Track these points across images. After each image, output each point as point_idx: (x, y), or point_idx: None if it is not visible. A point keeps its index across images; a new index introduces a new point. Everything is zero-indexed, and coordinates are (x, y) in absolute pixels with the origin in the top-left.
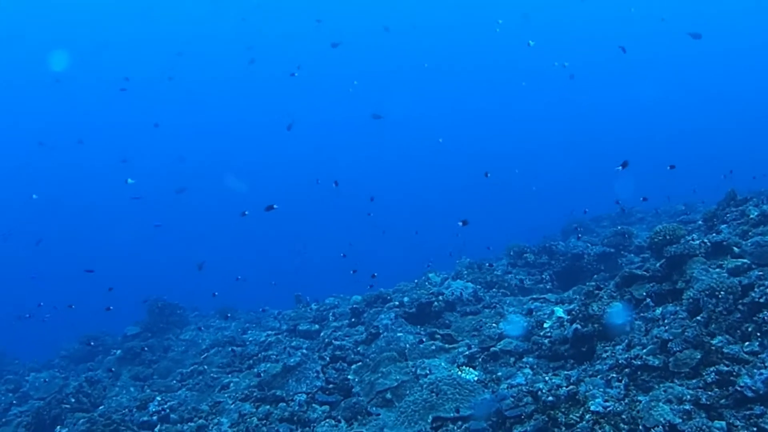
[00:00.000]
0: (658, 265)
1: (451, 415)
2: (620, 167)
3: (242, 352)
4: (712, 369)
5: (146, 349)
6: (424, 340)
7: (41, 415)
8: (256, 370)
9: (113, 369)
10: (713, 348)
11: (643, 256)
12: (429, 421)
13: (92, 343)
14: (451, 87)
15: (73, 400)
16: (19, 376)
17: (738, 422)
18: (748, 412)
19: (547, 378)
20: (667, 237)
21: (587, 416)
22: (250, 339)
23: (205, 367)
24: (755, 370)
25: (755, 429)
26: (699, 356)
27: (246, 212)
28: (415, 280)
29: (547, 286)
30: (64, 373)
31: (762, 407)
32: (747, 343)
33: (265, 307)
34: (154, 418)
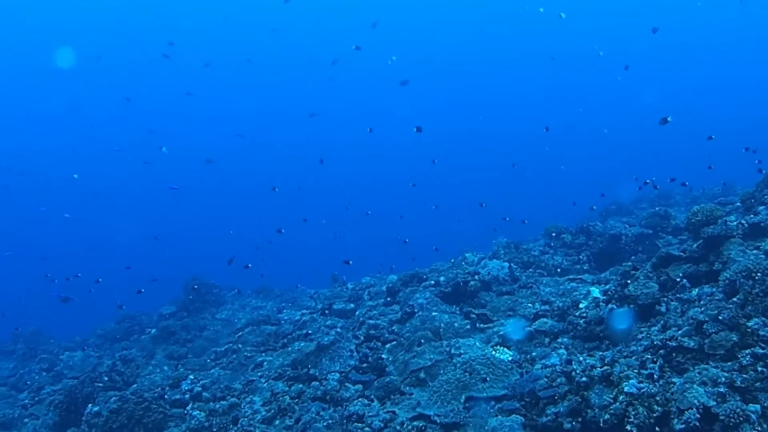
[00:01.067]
0: (695, 246)
1: (484, 394)
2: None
3: (277, 330)
4: (747, 351)
5: (179, 329)
6: (458, 319)
7: (73, 393)
8: (290, 348)
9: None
10: (749, 330)
11: (681, 237)
12: (462, 400)
13: (122, 323)
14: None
15: (106, 378)
16: (54, 355)
17: None
18: None
19: (581, 358)
20: (705, 217)
21: (621, 397)
22: (285, 318)
23: (240, 345)
24: None
25: None
26: (735, 338)
27: (276, 188)
28: (452, 260)
29: (585, 267)
30: (98, 352)
31: None
32: None
33: (298, 285)
34: (186, 396)
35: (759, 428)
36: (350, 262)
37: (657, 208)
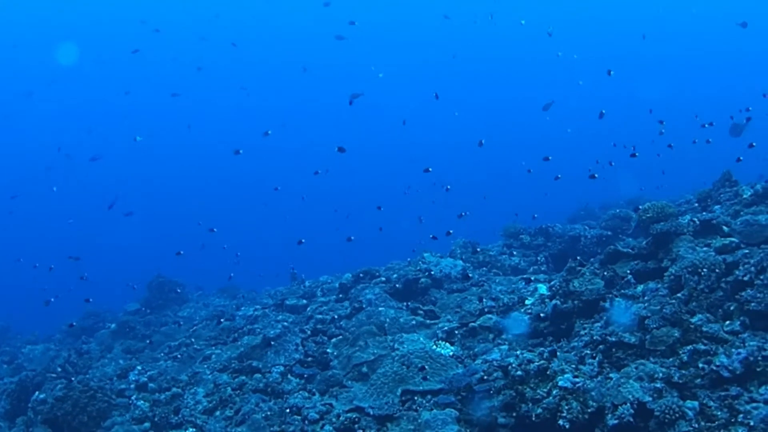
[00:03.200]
0: (644, 243)
1: (420, 388)
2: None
3: (230, 326)
4: (689, 348)
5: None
6: (404, 315)
7: (25, 383)
8: (239, 343)
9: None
10: (692, 326)
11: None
12: (398, 393)
13: (87, 319)
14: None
15: (59, 369)
16: (16, 348)
17: (712, 402)
18: (723, 393)
19: (518, 353)
20: (655, 214)
21: (554, 391)
22: (240, 314)
23: (192, 340)
24: (733, 350)
25: (729, 410)
26: (677, 334)
27: (277, 188)
28: (408, 259)
29: (542, 268)
30: (59, 346)
31: (738, 388)
32: (728, 323)
33: (265, 287)
34: (132, 386)
35: (696, 425)
36: (352, 239)
37: (618, 210)
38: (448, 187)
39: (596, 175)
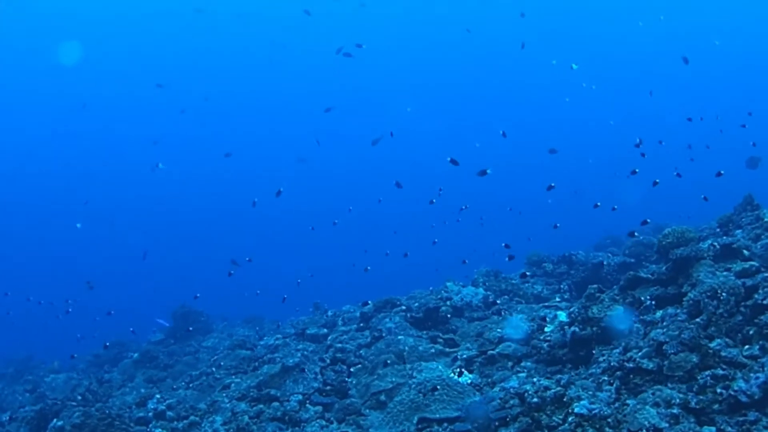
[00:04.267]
0: (664, 268)
1: (437, 416)
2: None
3: (251, 355)
4: (707, 373)
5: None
6: (423, 343)
7: (44, 411)
8: (259, 371)
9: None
10: (710, 351)
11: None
12: (414, 421)
13: (111, 349)
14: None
15: (79, 397)
16: (39, 377)
17: (730, 428)
18: (741, 418)
19: (535, 380)
20: (676, 239)
21: (570, 419)
22: (262, 343)
23: (213, 369)
24: (751, 374)
25: None
26: (695, 359)
27: (255, 201)
28: (431, 288)
29: (565, 296)
30: (81, 375)
31: (756, 413)
32: (747, 347)
33: (290, 317)
34: (150, 414)
35: None
36: (388, 253)
37: (642, 237)
38: (464, 206)
39: (599, 204)
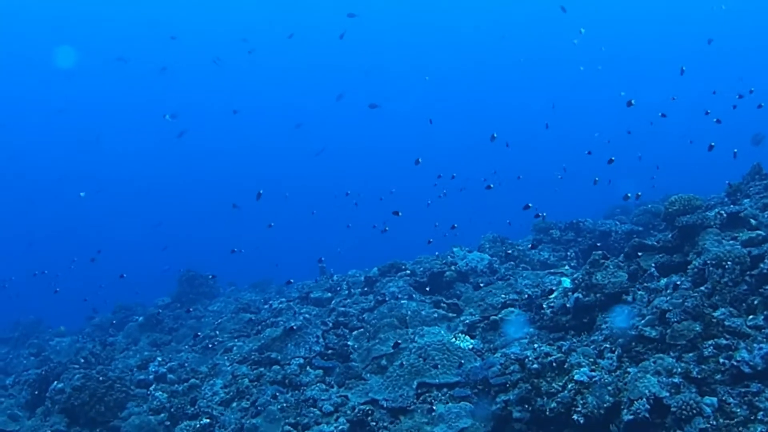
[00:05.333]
0: (670, 235)
1: (437, 381)
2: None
3: (255, 318)
4: (710, 342)
5: (164, 315)
6: (426, 307)
7: (46, 374)
8: (261, 335)
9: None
10: (714, 320)
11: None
12: (414, 386)
13: (118, 313)
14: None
15: (82, 360)
16: (44, 341)
17: (731, 399)
18: (743, 389)
19: (536, 346)
20: (682, 207)
21: (570, 385)
22: (266, 307)
23: (217, 332)
24: (755, 345)
25: (749, 407)
26: (698, 328)
27: (261, 192)
28: (436, 253)
29: (572, 264)
30: (86, 339)
31: (759, 384)
32: (751, 317)
33: (291, 280)
34: (151, 377)
35: (713, 422)
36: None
37: (650, 205)
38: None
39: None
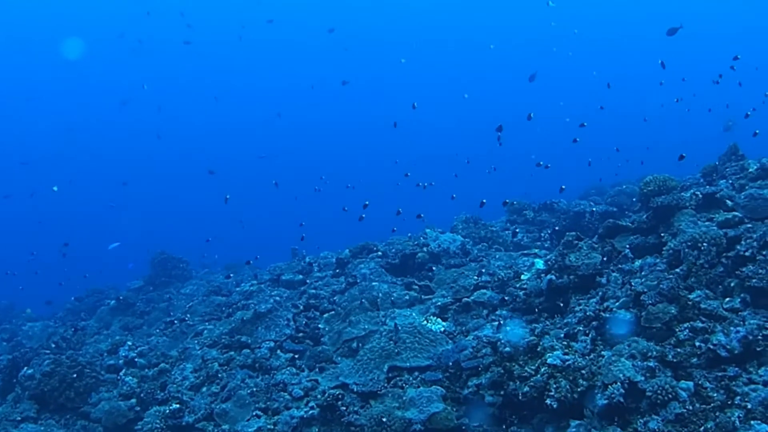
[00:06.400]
0: (644, 216)
1: (407, 364)
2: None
3: (226, 301)
4: (686, 325)
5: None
6: (398, 290)
7: (17, 360)
8: (232, 318)
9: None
10: (690, 303)
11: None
12: (384, 370)
13: (90, 297)
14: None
15: (53, 345)
16: (16, 326)
17: (708, 383)
18: (720, 374)
19: (508, 329)
20: (657, 187)
21: (543, 369)
22: (238, 290)
23: (188, 315)
24: (731, 328)
25: (726, 392)
26: (674, 311)
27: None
28: (409, 234)
29: (546, 245)
30: (58, 324)
31: (736, 368)
32: (728, 299)
33: (257, 256)
34: (121, 362)
35: (689, 407)
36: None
37: (624, 186)
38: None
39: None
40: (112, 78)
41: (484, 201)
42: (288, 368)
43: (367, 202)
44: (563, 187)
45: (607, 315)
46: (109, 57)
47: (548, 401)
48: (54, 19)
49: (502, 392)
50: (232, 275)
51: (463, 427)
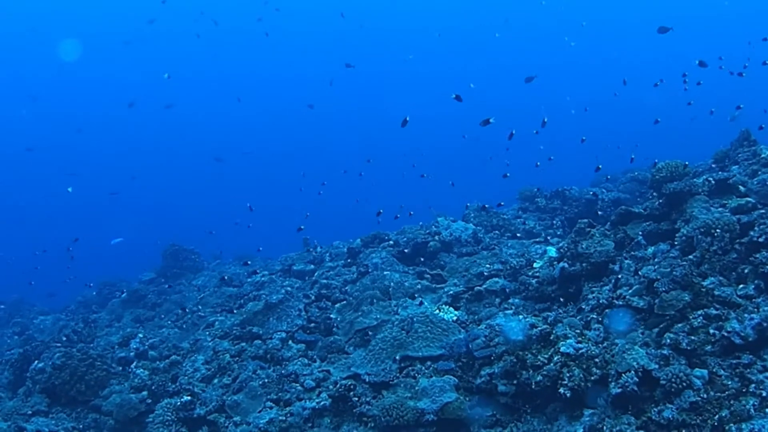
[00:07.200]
0: (657, 203)
1: (420, 354)
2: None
3: (237, 292)
4: (699, 312)
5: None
6: (410, 279)
7: (28, 353)
8: (244, 309)
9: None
10: (704, 290)
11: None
12: (397, 359)
13: (102, 290)
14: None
15: (64, 338)
16: (28, 320)
17: (722, 371)
18: (734, 361)
19: (521, 317)
20: (669, 173)
21: (556, 358)
22: (249, 280)
23: (199, 307)
24: (746, 315)
25: (740, 379)
26: (687, 298)
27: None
28: (420, 223)
29: (558, 232)
30: (69, 317)
31: (750, 356)
32: (741, 286)
33: (260, 248)
34: (132, 354)
35: (704, 395)
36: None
37: (636, 173)
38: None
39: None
40: (119, 76)
41: (502, 203)
42: (300, 359)
43: (380, 210)
44: (599, 166)
45: (620, 303)
46: (112, 57)
47: (562, 390)
48: (59, 17)
49: (515, 381)
50: (249, 262)
51: (476, 417)
